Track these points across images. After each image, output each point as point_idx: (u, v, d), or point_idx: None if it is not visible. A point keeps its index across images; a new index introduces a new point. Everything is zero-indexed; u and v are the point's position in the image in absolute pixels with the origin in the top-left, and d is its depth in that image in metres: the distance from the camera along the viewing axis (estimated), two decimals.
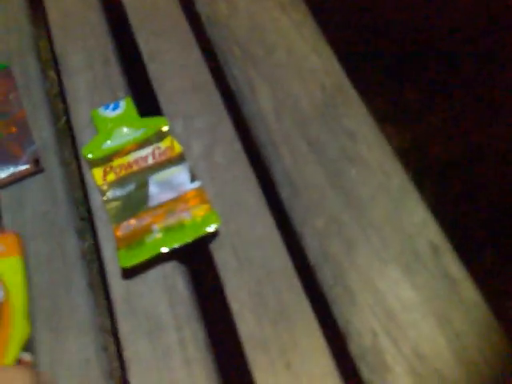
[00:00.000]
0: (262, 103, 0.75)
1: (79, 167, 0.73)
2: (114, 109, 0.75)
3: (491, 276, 1.10)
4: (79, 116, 0.76)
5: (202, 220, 0.64)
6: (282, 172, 0.70)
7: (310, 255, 0.64)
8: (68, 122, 0.76)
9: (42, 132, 0.75)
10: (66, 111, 0.78)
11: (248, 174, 0.70)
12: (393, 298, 0.60)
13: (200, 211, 0.65)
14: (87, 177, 0.71)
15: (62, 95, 0.80)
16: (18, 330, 0.55)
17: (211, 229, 0.63)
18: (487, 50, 1.43)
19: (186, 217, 0.64)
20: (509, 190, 1.24)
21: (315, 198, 0.67)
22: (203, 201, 0.66)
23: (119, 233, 0.65)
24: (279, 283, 0.62)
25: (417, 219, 0.66)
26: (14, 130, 0.75)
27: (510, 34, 1.43)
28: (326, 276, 0.62)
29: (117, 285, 0.63)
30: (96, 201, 0.69)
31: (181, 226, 0.64)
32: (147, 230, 0.64)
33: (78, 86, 0.79)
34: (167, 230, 0.64)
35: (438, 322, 0.59)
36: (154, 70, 0.80)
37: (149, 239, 0.63)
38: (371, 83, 1.27)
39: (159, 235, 0.63)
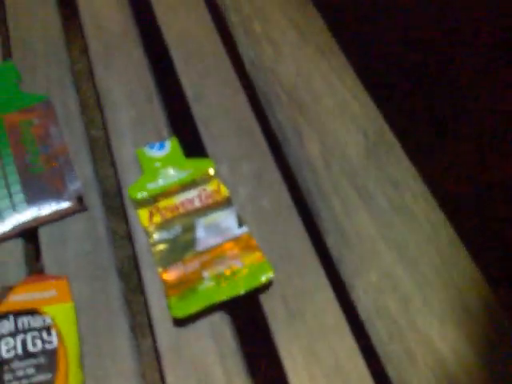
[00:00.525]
0: (309, 150, 0.74)
1: (123, 206, 0.71)
2: (160, 148, 0.74)
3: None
4: (123, 154, 0.75)
5: (255, 270, 0.62)
6: (331, 220, 0.68)
7: (362, 309, 0.62)
8: (111, 158, 0.74)
9: (84, 168, 0.74)
10: (109, 148, 0.76)
11: (295, 220, 0.69)
12: (452, 359, 0.59)
13: (252, 259, 0.63)
14: (131, 217, 0.69)
15: (104, 131, 0.79)
16: (74, 379, 0.53)
17: (265, 279, 0.62)
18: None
19: (237, 265, 0.63)
20: None
21: (367, 250, 0.66)
22: (254, 248, 0.64)
23: (168, 278, 0.63)
24: (332, 337, 0.60)
25: (467, 274, 0.65)
26: (55, 164, 0.73)
27: None
28: (380, 333, 0.61)
29: (163, 332, 0.61)
30: (140, 242, 0.67)
31: (233, 274, 0.62)
32: (198, 277, 0.62)
33: (121, 122, 0.78)
34: (219, 278, 0.62)
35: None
36: (198, 111, 0.79)
37: (201, 287, 0.61)
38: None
39: (211, 284, 0.61)
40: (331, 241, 0.67)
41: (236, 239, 0.66)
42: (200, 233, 0.67)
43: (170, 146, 0.74)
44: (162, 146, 0.74)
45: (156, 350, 0.60)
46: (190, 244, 0.66)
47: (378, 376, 0.59)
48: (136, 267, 0.66)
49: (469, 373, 0.58)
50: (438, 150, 1.38)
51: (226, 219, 0.67)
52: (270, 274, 0.62)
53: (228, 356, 0.60)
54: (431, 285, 0.64)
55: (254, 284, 0.61)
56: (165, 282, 0.63)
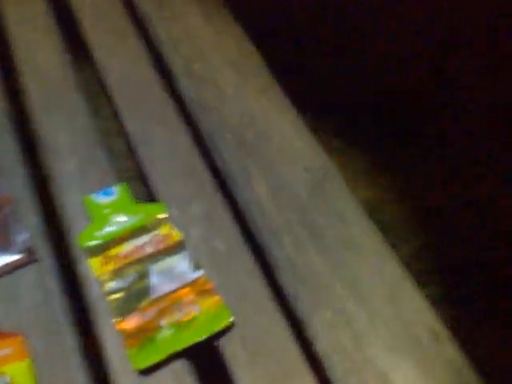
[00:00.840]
0: (257, 189, 0.76)
1: (71, 256, 0.70)
2: (108, 194, 0.73)
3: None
4: (70, 202, 0.74)
5: (213, 315, 0.63)
6: (283, 258, 0.69)
7: (319, 346, 0.63)
8: (57, 208, 0.73)
9: (30, 219, 0.73)
10: (54, 197, 0.75)
11: (248, 260, 0.70)
12: None
13: (209, 304, 0.64)
14: (82, 266, 0.68)
15: (48, 179, 0.78)
16: None
17: (224, 325, 0.62)
18: None
19: (195, 311, 0.63)
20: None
21: (320, 286, 0.67)
22: (210, 292, 0.65)
23: (125, 327, 0.62)
24: (292, 378, 0.61)
25: (414, 304, 0.67)
26: (0, 216, 0.72)
27: None
28: (337, 368, 0.62)
29: (125, 383, 0.60)
30: (93, 292, 0.67)
31: (191, 321, 0.62)
32: (155, 326, 0.62)
33: (65, 170, 0.77)
34: (178, 326, 0.62)
35: None
36: (145, 153, 0.79)
37: (159, 336, 0.61)
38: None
39: (170, 332, 0.61)
40: (285, 278, 0.68)
41: (192, 283, 0.66)
42: (154, 279, 0.66)
43: (119, 191, 0.74)
44: (109, 192, 0.74)
45: None
46: (145, 291, 0.65)
47: None
48: (87, 319, 0.66)
49: None
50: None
51: (180, 263, 0.68)
52: (229, 319, 0.63)
53: None
54: (382, 318, 0.66)
55: (213, 330, 0.62)
56: (122, 332, 0.62)
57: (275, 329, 0.64)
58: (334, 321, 0.65)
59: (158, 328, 0.62)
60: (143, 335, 0.61)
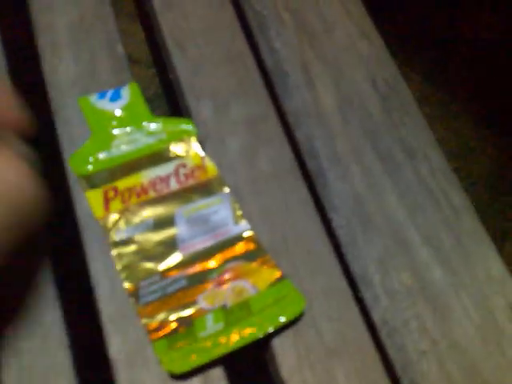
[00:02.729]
0: (322, 96, 0.55)
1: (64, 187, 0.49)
2: (115, 98, 0.52)
3: None
4: (63, 106, 0.52)
5: (274, 297, 0.44)
6: (346, 194, 0.51)
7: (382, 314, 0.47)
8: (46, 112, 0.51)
9: None
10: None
11: (302, 191, 0.51)
12: None
13: (265, 279, 0.45)
14: (77, 202, 0.48)
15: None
16: None
17: (294, 313, 0.44)
18: None
19: (249, 291, 0.44)
20: None
21: (395, 235, 0.49)
22: (266, 261, 0.46)
23: (147, 310, 0.43)
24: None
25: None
26: None
27: None
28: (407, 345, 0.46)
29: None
30: (90, 240, 0.47)
31: (246, 305, 0.43)
32: (194, 310, 0.43)
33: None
34: (226, 313, 0.43)
35: None
36: (169, 22, 0.56)
37: (203, 332, 0.42)
38: None
39: (218, 326, 0.42)
40: (343, 222, 0.50)
41: (235, 242, 0.47)
42: (182, 230, 0.47)
43: (129, 95, 0.52)
44: (116, 95, 0.52)
45: None
46: (171, 247, 0.46)
47: None
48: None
49: None
50: None
51: (218, 211, 0.48)
52: (301, 304, 0.44)
53: None
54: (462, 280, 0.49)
55: (281, 323, 0.43)
56: (141, 315, 0.43)
57: (336, 290, 0.46)
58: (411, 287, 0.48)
59: (198, 313, 0.43)
60: (173, 316, 0.43)
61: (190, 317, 0.43)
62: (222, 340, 0.41)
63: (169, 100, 0.61)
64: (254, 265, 0.45)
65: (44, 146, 0.47)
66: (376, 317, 0.46)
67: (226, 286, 0.44)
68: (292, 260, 0.47)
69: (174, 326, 0.42)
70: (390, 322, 0.46)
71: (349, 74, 0.57)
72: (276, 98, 0.55)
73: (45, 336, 0.43)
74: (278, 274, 0.45)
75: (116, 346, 0.43)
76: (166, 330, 0.42)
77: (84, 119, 0.51)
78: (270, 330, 0.42)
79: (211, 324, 0.42)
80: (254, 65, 0.56)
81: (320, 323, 0.45)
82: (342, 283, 0.47)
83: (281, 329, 0.44)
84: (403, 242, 0.49)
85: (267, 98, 0.55)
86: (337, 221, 0.50)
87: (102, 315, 0.44)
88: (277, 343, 0.44)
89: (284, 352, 0.43)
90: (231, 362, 0.44)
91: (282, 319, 0.42)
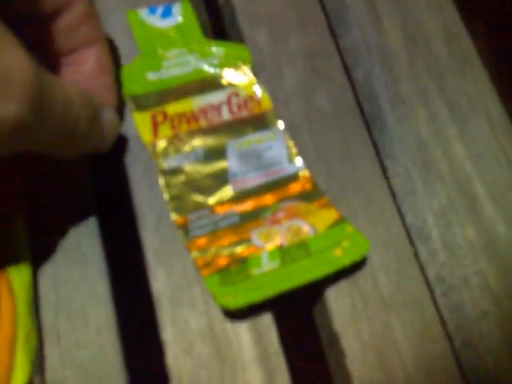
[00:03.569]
0: (388, 32, 0.51)
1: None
2: (166, 15, 0.47)
3: None
4: (110, 20, 0.47)
5: (339, 241, 0.41)
6: (408, 140, 0.48)
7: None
8: None
9: None
10: None
11: (363, 135, 0.47)
12: None
13: (323, 220, 0.42)
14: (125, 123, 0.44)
15: None
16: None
17: (358, 255, 0.41)
18: None
19: (307, 231, 0.41)
20: None
21: (460, 187, 0.47)
22: (324, 204, 0.43)
23: (197, 244, 0.40)
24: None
25: None
26: None
27: None
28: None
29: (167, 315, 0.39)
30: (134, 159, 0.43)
31: (303, 246, 0.41)
32: (247, 247, 0.40)
33: None
34: (282, 251, 0.40)
35: None
36: None
37: (257, 269, 0.39)
38: None
39: (273, 264, 0.40)
40: (402, 171, 0.47)
41: (290, 182, 0.44)
42: (234, 163, 0.44)
43: (181, 13, 0.48)
44: (167, 12, 0.47)
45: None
46: (220, 179, 0.43)
47: None
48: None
49: None
50: None
51: (272, 146, 0.45)
52: (365, 247, 0.41)
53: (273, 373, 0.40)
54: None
55: (340, 264, 0.40)
56: (190, 246, 0.40)
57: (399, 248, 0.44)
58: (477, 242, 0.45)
59: (253, 250, 0.40)
60: (228, 259, 0.40)
61: (243, 253, 0.40)
62: (278, 278, 0.38)
63: (215, 29, 0.57)
64: (311, 206, 0.42)
65: None
66: (431, 273, 0.44)
67: (281, 225, 0.41)
68: (350, 207, 0.44)
69: (226, 261, 0.39)
70: (446, 279, 0.43)
71: (418, 14, 0.53)
72: (334, 33, 0.51)
73: (84, 266, 0.40)
74: (337, 215, 0.42)
75: (160, 282, 0.40)
76: (218, 266, 0.39)
77: (132, 35, 0.46)
78: (330, 271, 0.39)
79: (266, 262, 0.39)
80: None
81: (378, 274, 0.42)
82: (402, 234, 0.44)
83: (336, 278, 0.42)
84: (468, 194, 0.46)
85: (327, 31, 0.51)
86: (394, 169, 0.47)
87: (145, 248, 0.41)
88: (330, 293, 0.41)
89: (338, 303, 0.41)
90: (281, 311, 0.42)
91: (345, 261, 0.39)
